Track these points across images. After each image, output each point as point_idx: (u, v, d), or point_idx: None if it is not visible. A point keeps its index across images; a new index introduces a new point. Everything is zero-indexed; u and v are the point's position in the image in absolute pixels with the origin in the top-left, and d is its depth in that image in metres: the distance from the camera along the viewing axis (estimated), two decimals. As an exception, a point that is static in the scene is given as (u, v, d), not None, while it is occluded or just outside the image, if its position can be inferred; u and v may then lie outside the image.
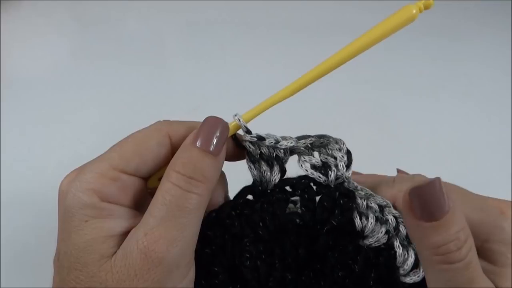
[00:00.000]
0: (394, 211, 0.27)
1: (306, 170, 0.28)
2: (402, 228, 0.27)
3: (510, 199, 0.29)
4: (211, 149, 0.24)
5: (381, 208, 0.27)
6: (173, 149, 0.26)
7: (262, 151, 0.28)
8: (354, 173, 0.29)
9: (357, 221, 0.27)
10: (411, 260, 0.26)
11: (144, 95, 0.64)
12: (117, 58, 0.70)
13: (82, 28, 0.78)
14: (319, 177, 0.28)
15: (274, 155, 0.28)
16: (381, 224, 0.27)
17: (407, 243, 0.27)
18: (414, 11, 0.24)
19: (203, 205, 0.24)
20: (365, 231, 0.27)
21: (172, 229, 0.22)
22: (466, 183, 0.28)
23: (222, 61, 0.70)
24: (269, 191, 0.28)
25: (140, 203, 0.26)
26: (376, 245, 0.27)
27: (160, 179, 0.24)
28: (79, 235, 0.23)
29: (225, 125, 0.25)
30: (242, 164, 0.29)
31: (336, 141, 0.28)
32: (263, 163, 0.28)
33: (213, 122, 0.25)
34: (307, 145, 0.28)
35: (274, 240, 0.27)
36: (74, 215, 0.23)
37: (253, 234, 0.27)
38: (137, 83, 0.66)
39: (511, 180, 0.54)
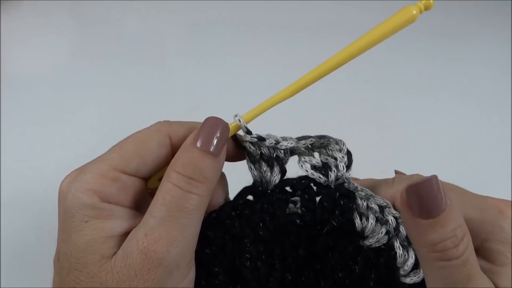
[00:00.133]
0: (394, 212, 0.27)
1: (306, 171, 0.28)
2: (402, 229, 0.27)
3: (510, 199, 0.29)
4: (211, 149, 0.24)
5: (381, 208, 0.27)
6: (173, 150, 0.26)
7: (263, 151, 0.28)
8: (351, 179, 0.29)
9: (357, 221, 0.27)
10: (411, 260, 0.26)
11: (144, 95, 0.64)
12: (117, 58, 0.70)
13: (82, 28, 0.78)
14: (319, 177, 0.28)
15: (275, 155, 0.28)
16: (381, 224, 0.27)
17: (407, 243, 0.27)
18: (414, 12, 0.24)
19: (203, 206, 0.24)
20: (365, 231, 0.27)
21: (172, 230, 0.22)
22: (466, 183, 0.28)
23: (222, 61, 0.70)
24: (269, 191, 0.28)
25: (140, 204, 0.26)
26: (376, 245, 0.27)
27: (160, 180, 0.24)
28: (79, 235, 0.23)
29: (225, 125, 0.25)
30: (242, 164, 0.29)
31: (337, 141, 0.28)
32: (263, 163, 0.28)
33: (214, 123, 0.25)
34: (307, 146, 0.28)
35: (274, 241, 0.27)
36: (74, 215, 0.23)
37: (253, 235, 0.27)
38: (137, 83, 0.66)
39: (511, 180, 0.54)
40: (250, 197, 0.29)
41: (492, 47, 0.75)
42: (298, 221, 0.28)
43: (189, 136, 0.25)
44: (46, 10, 0.78)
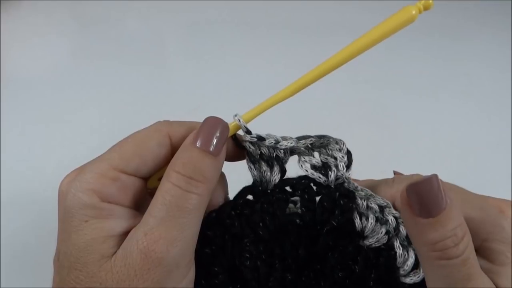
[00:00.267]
0: (394, 212, 0.27)
1: (306, 171, 0.28)
2: (402, 229, 0.27)
3: (510, 199, 0.29)
4: (211, 149, 0.24)
5: (381, 208, 0.27)
6: (173, 150, 0.26)
7: (262, 151, 0.28)
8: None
9: (357, 221, 0.27)
10: (411, 260, 0.26)
11: (144, 95, 0.64)
12: (117, 58, 0.70)
13: (82, 28, 0.78)
14: (319, 177, 0.28)
15: (274, 155, 0.28)
16: (381, 224, 0.27)
17: (407, 243, 0.27)
18: (413, 12, 0.24)
19: (203, 205, 0.24)
20: (365, 231, 0.27)
21: (172, 229, 0.22)
22: (466, 183, 0.28)
23: (222, 61, 0.70)
24: (269, 191, 0.28)
25: (140, 203, 0.26)
26: (376, 245, 0.27)
27: (160, 180, 0.24)
28: (79, 235, 0.23)
29: (225, 125, 0.25)
30: (242, 164, 0.29)
31: (336, 141, 0.28)
32: (263, 163, 0.28)
33: (213, 122, 0.25)
34: (307, 146, 0.28)
35: (274, 240, 0.27)
36: (74, 215, 0.23)
37: (253, 234, 0.27)
38: (137, 83, 0.66)
39: (511, 180, 0.54)
40: (250, 197, 0.29)
41: (492, 47, 0.75)
42: (298, 221, 0.28)
43: (189, 136, 0.25)
44: (46, 10, 0.78)
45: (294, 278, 0.27)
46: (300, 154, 0.29)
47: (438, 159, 0.57)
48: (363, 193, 0.28)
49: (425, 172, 0.29)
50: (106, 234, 0.23)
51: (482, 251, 0.26)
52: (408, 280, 0.26)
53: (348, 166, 0.28)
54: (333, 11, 0.81)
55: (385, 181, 0.29)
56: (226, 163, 0.27)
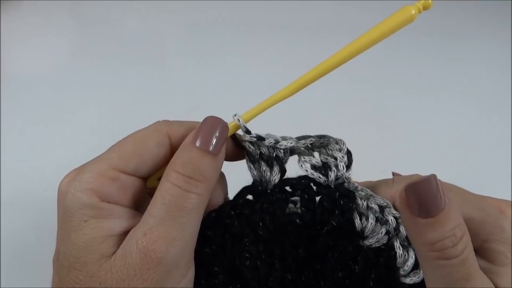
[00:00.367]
0: (394, 212, 0.27)
1: (306, 171, 0.28)
2: (402, 229, 0.27)
3: (510, 199, 0.29)
4: (211, 149, 0.24)
5: (381, 208, 0.27)
6: (173, 149, 0.26)
7: (262, 151, 0.28)
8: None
9: (357, 221, 0.27)
10: (411, 260, 0.26)
11: (144, 95, 0.64)
12: (117, 58, 0.70)
13: (82, 28, 0.78)
14: (319, 177, 0.28)
15: (274, 155, 0.28)
16: (381, 224, 0.27)
17: (407, 243, 0.27)
18: (413, 12, 0.24)
19: (202, 205, 0.24)
20: (365, 231, 0.27)
21: (171, 229, 0.22)
22: (466, 183, 0.28)
23: (222, 61, 0.70)
24: (269, 191, 0.28)
25: (139, 203, 0.26)
26: (376, 245, 0.27)
27: (159, 179, 0.24)
28: (78, 235, 0.23)
29: (224, 125, 0.25)
30: (242, 164, 0.29)
31: (337, 141, 0.28)
32: (262, 163, 0.28)
33: (213, 122, 0.25)
34: (307, 145, 0.28)
35: (274, 240, 0.27)
36: (73, 215, 0.23)
37: (253, 234, 0.27)
38: (137, 83, 0.66)
39: (511, 180, 0.54)
40: (250, 197, 0.29)
41: (492, 47, 0.75)
42: (298, 220, 0.27)
43: (188, 136, 0.25)
44: (46, 10, 0.78)
45: (294, 278, 0.27)
46: (300, 154, 0.29)
47: (438, 159, 0.57)
48: (363, 193, 0.27)
49: (425, 172, 0.28)
50: (106, 234, 0.23)
51: (482, 251, 0.26)
52: (408, 280, 0.26)
53: (348, 166, 0.28)
54: (333, 11, 0.81)
55: (385, 182, 0.29)
56: (225, 163, 0.27)
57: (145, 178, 0.26)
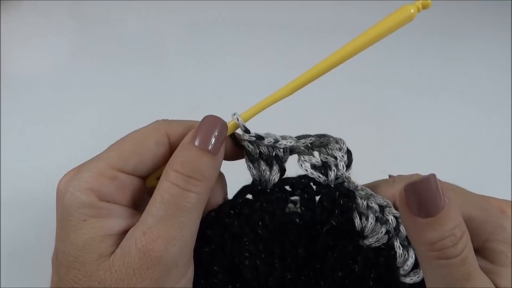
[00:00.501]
0: (394, 211, 0.27)
1: (306, 170, 0.28)
2: (402, 228, 0.27)
3: (510, 199, 0.29)
4: (210, 148, 0.24)
5: (382, 208, 0.27)
6: (172, 149, 0.26)
7: (261, 150, 0.28)
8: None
9: (357, 221, 0.27)
10: (411, 260, 0.26)
11: (144, 95, 0.64)
12: (117, 58, 0.70)
13: (82, 28, 0.78)
14: (319, 177, 0.28)
15: (274, 154, 0.28)
16: (381, 224, 0.27)
17: (407, 243, 0.27)
18: (412, 11, 0.24)
19: (201, 204, 0.24)
20: (365, 231, 0.27)
21: (170, 228, 0.22)
22: (466, 183, 0.28)
23: (222, 61, 0.70)
24: (268, 190, 0.28)
25: (138, 203, 0.26)
26: (376, 245, 0.27)
27: (158, 179, 0.24)
28: (77, 234, 0.23)
29: (223, 124, 0.25)
30: (241, 163, 0.29)
31: (336, 140, 0.28)
32: (262, 162, 0.28)
33: (212, 121, 0.25)
34: (307, 145, 0.28)
35: (274, 240, 0.27)
36: (72, 214, 0.23)
37: (252, 234, 0.27)
38: (137, 83, 0.66)
39: (511, 180, 0.54)
40: (249, 196, 0.29)
41: (492, 47, 0.75)
42: (297, 220, 0.27)
43: (187, 135, 0.25)
44: (46, 10, 0.78)
45: (293, 278, 0.27)
46: (300, 153, 0.29)
47: (438, 159, 0.57)
48: (363, 193, 0.27)
49: (425, 172, 0.28)
50: (105, 233, 0.23)
51: (483, 251, 0.26)
52: (408, 280, 0.26)
53: (348, 165, 0.28)
54: (333, 11, 0.81)
55: (386, 181, 0.29)
56: (225, 162, 0.27)
57: (144, 178, 0.26)
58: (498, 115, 0.64)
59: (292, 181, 0.28)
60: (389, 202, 0.27)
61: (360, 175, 0.30)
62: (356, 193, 0.28)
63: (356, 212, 0.27)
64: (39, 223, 0.48)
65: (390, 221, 0.26)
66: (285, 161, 0.29)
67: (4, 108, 0.61)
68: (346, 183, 0.28)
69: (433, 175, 0.22)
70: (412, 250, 0.26)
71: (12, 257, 0.46)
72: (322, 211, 0.27)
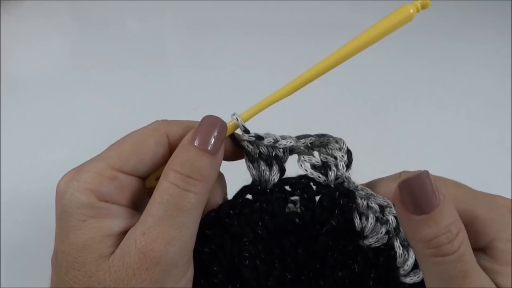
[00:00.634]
0: (394, 211, 0.27)
1: (306, 170, 0.28)
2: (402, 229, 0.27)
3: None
4: (209, 148, 0.24)
5: (382, 208, 0.27)
6: (171, 149, 0.26)
7: (261, 150, 0.28)
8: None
9: (357, 221, 0.27)
10: (411, 260, 0.26)
11: (144, 95, 0.64)
12: (117, 58, 0.70)
13: (82, 28, 0.78)
14: (319, 177, 0.28)
15: (273, 154, 0.28)
16: (381, 224, 0.27)
17: (407, 243, 0.27)
18: (411, 11, 0.24)
19: (201, 204, 0.24)
20: (365, 231, 0.27)
21: (170, 228, 0.22)
22: (466, 183, 0.28)
23: (222, 61, 0.70)
24: (268, 190, 0.28)
25: (137, 203, 0.26)
26: (376, 245, 0.27)
27: (158, 179, 0.24)
28: (77, 234, 0.23)
29: (223, 124, 0.25)
30: (241, 164, 0.29)
31: (337, 140, 0.28)
32: (262, 162, 0.28)
33: (211, 121, 0.25)
34: (307, 145, 0.28)
35: (274, 240, 0.27)
36: (71, 214, 0.23)
37: (252, 234, 0.27)
38: (137, 83, 0.66)
39: (511, 180, 0.54)
40: (249, 196, 0.29)
41: (492, 47, 0.75)
42: (297, 220, 0.27)
43: (187, 135, 0.25)
44: (46, 10, 0.78)
45: (293, 278, 0.27)
46: (299, 153, 0.28)
47: (438, 159, 0.57)
48: (363, 193, 0.27)
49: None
50: (104, 233, 0.23)
51: (489, 250, 0.26)
52: (408, 280, 0.26)
53: (348, 165, 0.28)
54: (333, 11, 0.81)
55: (391, 177, 0.29)
56: (225, 162, 0.27)
57: (143, 178, 0.26)
58: (498, 115, 0.64)
59: (292, 181, 0.28)
60: (389, 202, 0.27)
61: (361, 175, 0.30)
62: (356, 193, 0.27)
63: (356, 212, 0.27)
64: (39, 223, 0.48)
65: (390, 221, 0.26)
66: (285, 161, 0.29)
67: (4, 108, 0.61)
68: (346, 183, 0.28)
69: (426, 172, 0.22)
70: (412, 250, 0.26)
71: (12, 257, 0.46)
72: (322, 211, 0.27)
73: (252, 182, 0.29)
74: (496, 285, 0.23)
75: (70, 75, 0.68)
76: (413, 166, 0.33)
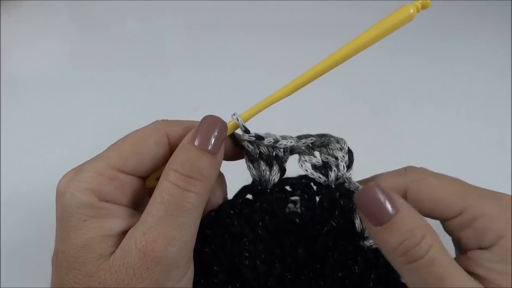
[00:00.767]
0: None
1: (306, 170, 0.28)
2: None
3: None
4: (209, 148, 0.24)
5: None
6: (171, 149, 0.26)
7: (261, 150, 0.28)
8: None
9: (357, 222, 0.27)
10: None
11: (144, 95, 0.64)
12: (117, 58, 0.70)
13: (82, 28, 0.78)
14: (319, 177, 0.28)
15: (274, 154, 0.28)
16: (381, 224, 0.27)
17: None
18: (411, 11, 0.24)
19: (201, 204, 0.24)
20: (365, 232, 0.27)
21: (170, 228, 0.22)
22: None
23: (222, 61, 0.70)
24: (268, 190, 0.28)
25: (138, 203, 0.26)
26: (377, 246, 0.27)
27: (158, 179, 0.24)
28: (77, 234, 0.23)
29: (223, 124, 0.25)
30: (241, 164, 0.29)
31: (338, 140, 0.28)
32: (262, 162, 0.28)
33: (211, 121, 0.25)
34: (308, 145, 0.28)
35: (274, 240, 0.27)
36: (72, 214, 0.23)
37: (252, 234, 0.27)
38: (137, 83, 0.66)
39: (511, 180, 0.54)
40: (249, 196, 0.29)
41: (492, 47, 0.75)
42: (297, 220, 0.27)
43: (187, 135, 0.25)
44: (46, 10, 0.78)
45: (293, 278, 0.27)
46: (300, 153, 0.28)
47: (438, 159, 0.57)
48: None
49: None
50: (105, 233, 0.23)
51: (496, 247, 0.25)
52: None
53: (349, 165, 0.28)
54: (333, 11, 0.81)
55: (396, 172, 0.29)
56: (225, 162, 0.27)
57: (144, 178, 0.26)
58: (498, 115, 0.64)
59: (292, 181, 0.28)
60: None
61: (361, 175, 0.30)
62: (357, 193, 0.28)
63: (356, 213, 0.27)
64: (39, 223, 0.48)
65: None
66: (285, 161, 0.29)
67: (4, 108, 0.61)
68: (346, 184, 0.28)
69: (374, 185, 0.22)
70: None
71: (12, 257, 0.46)
72: (322, 212, 0.27)
73: (252, 182, 0.29)
74: (503, 286, 0.23)
75: (70, 75, 0.68)
76: (413, 165, 0.33)
